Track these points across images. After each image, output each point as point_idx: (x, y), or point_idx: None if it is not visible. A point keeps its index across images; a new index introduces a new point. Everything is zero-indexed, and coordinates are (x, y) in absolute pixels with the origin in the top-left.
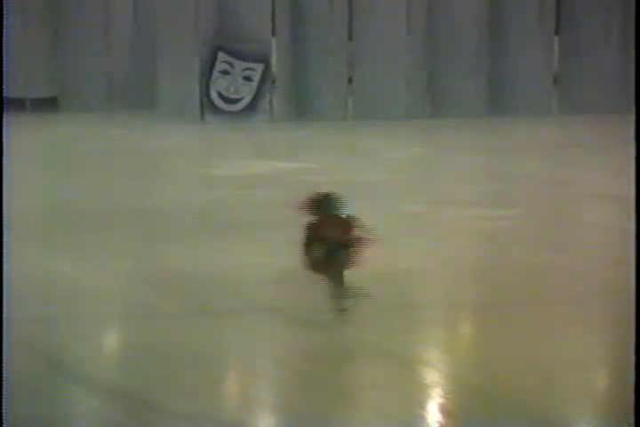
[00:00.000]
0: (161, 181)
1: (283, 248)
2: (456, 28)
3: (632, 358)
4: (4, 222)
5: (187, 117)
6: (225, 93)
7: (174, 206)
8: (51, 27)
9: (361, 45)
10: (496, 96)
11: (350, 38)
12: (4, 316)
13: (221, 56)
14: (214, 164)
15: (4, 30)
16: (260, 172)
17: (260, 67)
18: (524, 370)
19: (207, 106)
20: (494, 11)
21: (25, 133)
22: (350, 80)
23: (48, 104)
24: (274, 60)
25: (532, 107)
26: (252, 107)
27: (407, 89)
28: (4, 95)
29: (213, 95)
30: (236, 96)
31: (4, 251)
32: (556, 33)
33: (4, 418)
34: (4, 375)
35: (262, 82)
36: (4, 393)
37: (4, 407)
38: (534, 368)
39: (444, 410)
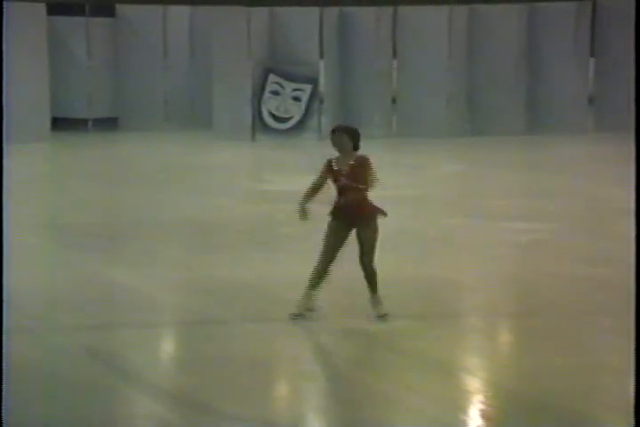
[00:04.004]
0: (214, 196)
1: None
2: (495, 49)
3: None
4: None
5: (239, 135)
6: (275, 113)
7: (227, 219)
8: (112, 52)
9: (404, 67)
10: (533, 115)
11: (394, 60)
12: (71, 322)
13: (272, 77)
14: (265, 179)
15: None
16: (308, 187)
17: (308, 87)
18: (562, 377)
19: (258, 124)
20: (532, 34)
21: (87, 151)
22: (394, 100)
23: (109, 124)
24: (322, 81)
25: (568, 125)
26: (300, 125)
27: (448, 108)
28: (69, 116)
29: (264, 114)
30: (286, 115)
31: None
32: (591, 55)
33: (3, 418)
34: (4, 376)
35: (310, 102)
36: (3, 393)
37: (3, 408)
38: (572, 375)
39: (486, 416)
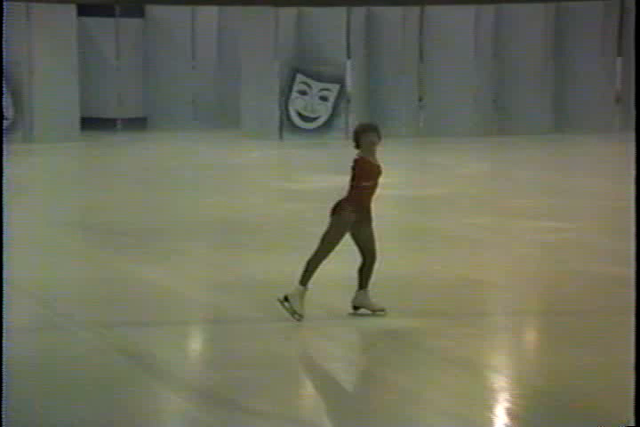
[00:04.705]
0: (243, 194)
1: (355, 258)
2: (522, 48)
3: None
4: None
5: (267, 135)
6: (303, 112)
7: (256, 218)
8: (141, 53)
9: (431, 66)
10: (560, 114)
11: (421, 59)
12: (95, 319)
13: (300, 77)
14: (292, 178)
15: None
16: (335, 186)
17: (335, 87)
18: (589, 376)
19: (286, 124)
20: (559, 33)
21: (116, 150)
22: (421, 99)
23: (138, 123)
24: (348, 81)
25: (595, 124)
26: (327, 125)
27: (475, 107)
28: (98, 116)
29: (292, 114)
30: (313, 115)
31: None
32: (619, 54)
33: (3, 418)
34: (4, 376)
35: (338, 101)
36: (3, 393)
37: (3, 407)
38: (599, 374)
39: (512, 414)
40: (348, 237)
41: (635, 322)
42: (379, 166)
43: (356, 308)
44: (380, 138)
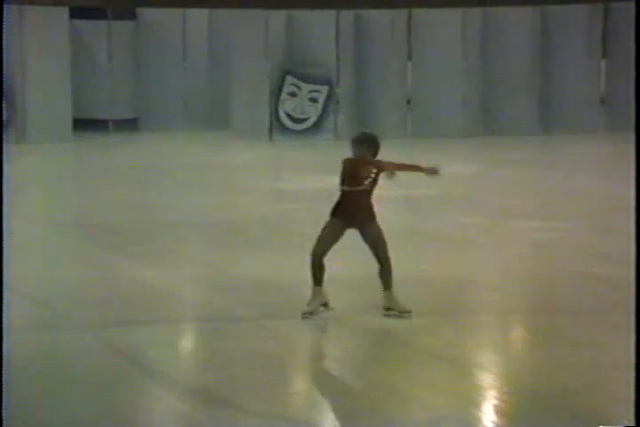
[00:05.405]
0: (233, 195)
1: (345, 257)
2: (509, 51)
3: None
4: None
5: (257, 136)
6: (292, 114)
7: (247, 217)
8: (133, 54)
9: (419, 68)
10: (546, 116)
11: (409, 61)
12: (97, 319)
13: (289, 79)
14: (282, 179)
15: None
16: (325, 186)
17: (324, 89)
18: (576, 374)
19: (276, 125)
20: (545, 35)
21: (108, 151)
22: (409, 101)
23: (129, 124)
24: (338, 83)
25: (581, 125)
26: (317, 126)
27: (463, 109)
28: (90, 117)
29: (282, 115)
30: (303, 116)
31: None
32: (603, 56)
33: (3, 418)
34: (4, 376)
35: (327, 103)
36: (3, 393)
37: (4, 407)
38: (586, 372)
39: (500, 411)
40: (348, 236)
41: (635, 322)
42: (370, 167)
43: (387, 309)
44: (377, 148)
